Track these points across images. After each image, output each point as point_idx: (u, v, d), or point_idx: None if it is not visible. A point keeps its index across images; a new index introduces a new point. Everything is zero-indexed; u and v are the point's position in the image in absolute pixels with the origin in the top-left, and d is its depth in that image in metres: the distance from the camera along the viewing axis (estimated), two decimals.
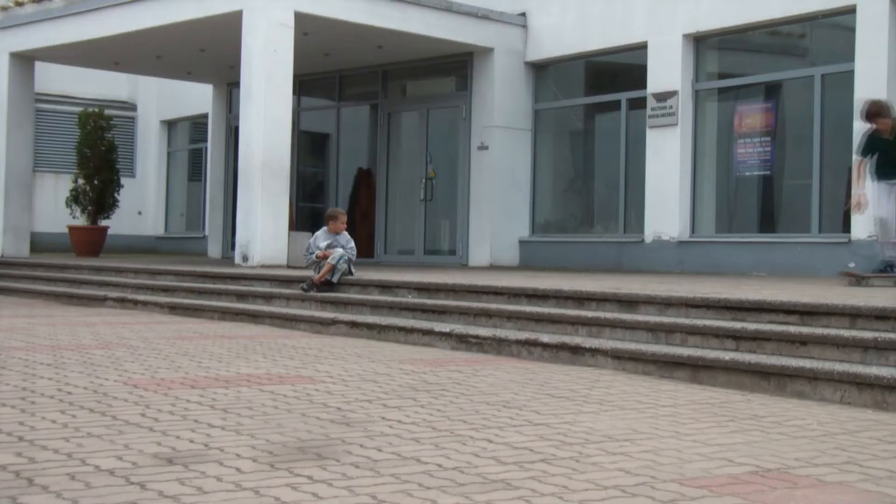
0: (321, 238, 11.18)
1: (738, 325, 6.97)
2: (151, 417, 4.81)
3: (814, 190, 13.37)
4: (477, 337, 8.12)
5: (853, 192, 10.89)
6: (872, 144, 10.61)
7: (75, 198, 20.16)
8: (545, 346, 7.58)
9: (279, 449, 4.16)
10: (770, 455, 4.27)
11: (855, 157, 10.93)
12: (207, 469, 3.76)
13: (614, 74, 16.66)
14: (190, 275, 13.36)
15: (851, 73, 12.81)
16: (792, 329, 6.64)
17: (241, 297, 11.61)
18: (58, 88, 23.28)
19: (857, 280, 9.86)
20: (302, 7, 14.53)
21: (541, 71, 16.91)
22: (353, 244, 11.30)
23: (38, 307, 12.52)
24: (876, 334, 6.21)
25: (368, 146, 19.57)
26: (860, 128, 10.87)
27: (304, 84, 19.25)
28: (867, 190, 10.67)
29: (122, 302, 12.56)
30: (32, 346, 7.87)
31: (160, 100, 24.56)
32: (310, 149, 21.06)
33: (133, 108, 24.92)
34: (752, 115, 14.41)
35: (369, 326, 9.20)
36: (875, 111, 10.58)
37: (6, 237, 18.18)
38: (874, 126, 10.57)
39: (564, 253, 16.11)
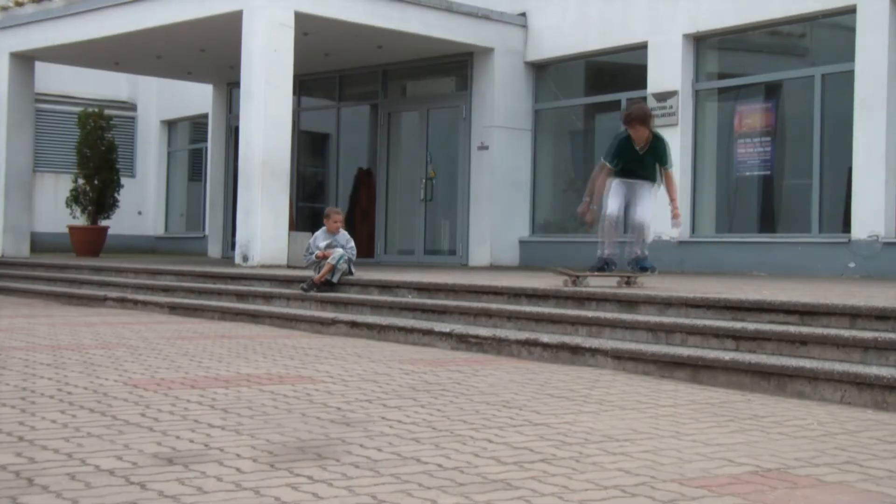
0: (321, 238, 11.18)
1: (738, 325, 6.97)
2: (151, 417, 4.81)
3: (814, 190, 13.37)
4: (477, 337, 8.12)
5: (586, 198, 10.32)
6: (622, 153, 9.93)
7: (75, 198, 20.17)
8: (545, 346, 7.58)
9: (279, 449, 4.16)
10: (770, 455, 4.27)
11: (600, 162, 10.32)
12: (207, 469, 3.76)
13: (614, 74, 16.66)
14: (190, 275, 13.36)
15: (851, 73, 12.81)
16: (792, 329, 6.64)
17: (241, 297, 11.61)
18: (58, 88, 23.28)
19: (574, 280, 9.15)
20: (302, 7, 14.54)
21: (541, 71, 16.91)
22: (353, 244, 11.31)
23: (38, 307, 12.52)
24: (876, 334, 6.21)
25: (368, 146, 19.57)
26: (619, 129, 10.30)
27: (304, 84, 19.26)
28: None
29: (122, 302, 12.56)
30: (32, 346, 7.87)
31: (160, 100, 24.57)
32: (310, 149, 21.07)
33: (133, 108, 24.92)
34: (752, 115, 14.41)
35: (369, 326, 9.20)
36: (639, 117, 9.80)
37: (6, 237, 18.19)
38: (630, 131, 9.85)
39: (565, 253, 16.08)
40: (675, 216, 9.99)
